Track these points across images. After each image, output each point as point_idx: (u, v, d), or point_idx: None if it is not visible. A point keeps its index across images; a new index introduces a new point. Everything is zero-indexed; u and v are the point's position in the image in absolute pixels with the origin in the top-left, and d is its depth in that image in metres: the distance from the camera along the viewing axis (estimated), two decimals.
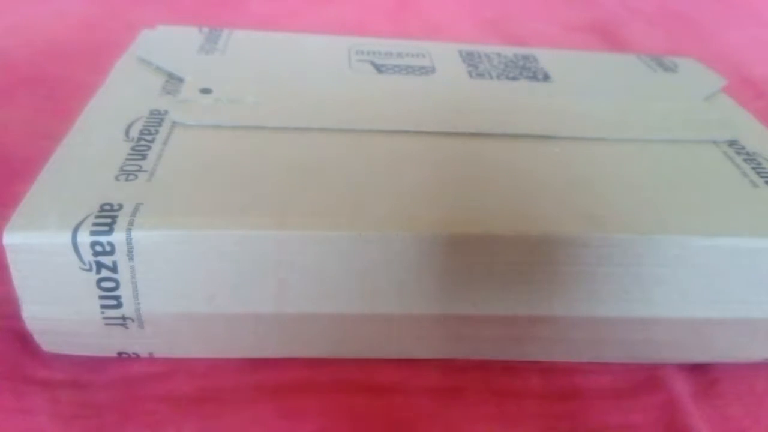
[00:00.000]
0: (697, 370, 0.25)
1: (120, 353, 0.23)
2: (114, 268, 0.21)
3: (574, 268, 0.22)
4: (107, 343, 0.23)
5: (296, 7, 0.51)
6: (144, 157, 0.23)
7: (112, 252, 0.20)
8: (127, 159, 0.23)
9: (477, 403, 0.23)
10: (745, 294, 0.23)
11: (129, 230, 0.20)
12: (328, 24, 0.40)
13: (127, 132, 0.25)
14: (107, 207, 0.21)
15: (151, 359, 0.24)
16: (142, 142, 0.24)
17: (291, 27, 0.36)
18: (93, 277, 0.21)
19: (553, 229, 0.22)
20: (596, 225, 0.22)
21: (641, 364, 0.25)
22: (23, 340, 0.23)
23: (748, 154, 0.27)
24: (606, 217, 0.23)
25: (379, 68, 0.32)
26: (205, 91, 0.28)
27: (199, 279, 0.21)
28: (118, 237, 0.20)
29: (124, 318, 0.22)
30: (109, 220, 0.20)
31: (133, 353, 0.23)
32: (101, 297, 0.21)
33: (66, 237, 0.20)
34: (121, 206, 0.21)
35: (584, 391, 0.24)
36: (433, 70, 0.32)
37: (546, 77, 0.32)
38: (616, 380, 0.24)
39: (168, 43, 0.32)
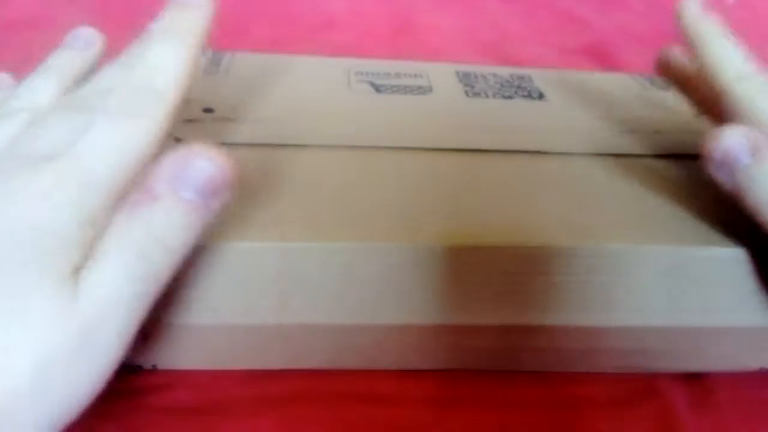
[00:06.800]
0: (693, 380, 0.25)
1: (123, 365, 0.24)
2: None
3: (568, 278, 0.23)
4: None
5: (296, 33, 0.52)
6: None
7: None
8: None
9: (474, 413, 0.24)
10: (737, 303, 0.23)
11: None
12: (327, 48, 0.41)
13: None
14: None
15: (154, 371, 0.24)
16: None
17: (291, 52, 0.37)
18: None
19: (548, 240, 0.22)
20: (589, 236, 0.23)
21: (636, 374, 0.25)
22: None
23: None
24: (599, 228, 0.23)
25: (377, 88, 0.32)
26: (208, 110, 0.28)
27: (201, 291, 0.22)
28: None
29: None
30: None
31: (137, 365, 0.24)
32: None
33: None
34: None
35: (580, 401, 0.24)
36: (430, 89, 0.33)
37: (541, 96, 0.33)
38: (611, 390, 0.25)
39: None
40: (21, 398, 0.15)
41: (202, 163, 0.18)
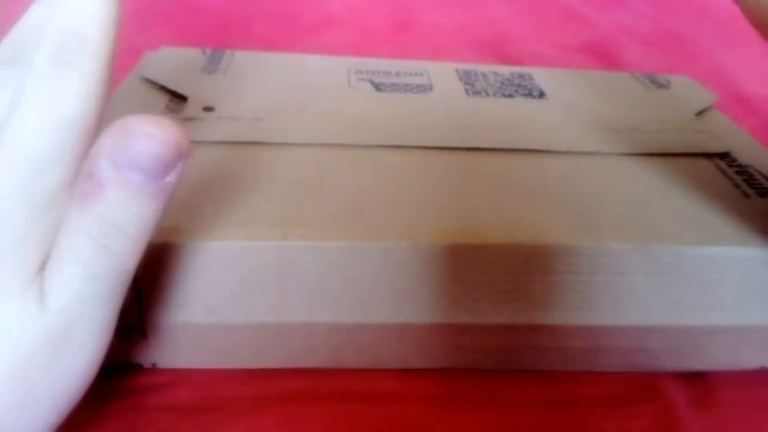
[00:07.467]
0: (694, 379, 0.25)
1: (123, 364, 0.24)
2: None
3: (569, 277, 0.23)
4: (110, 353, 0.23)
5: (296, 32, 0.52)
6: None
7: None
8: None
9: (475, 412, 0.24)
10: (738, 302, 0.23)
11: None
12: (329, 47, 0.41)
13: None
14: None
15: (154, 370, 0.24)
16: None
17: (292, 50, 0.37)
18: None
19: (549, 238, 0.22)
20: (591, 234, 0.23)
21: (638, 373, 0.25)
22: None
23: (740, 166, 0.28)
24: (600, 226, 0.23)
25: (378, 86, 0.32)
26: (208, 109, 0.28)
27: (201, 289, 0.22)
28: None
29: (127, 328, 0.22)
30: None
31: (137, 364, 0.24)
32: None
33: None
34: None
35: (581, 400, 0.24)
36: (430, 88, 0.33)
37: (541, 94, 0.33)
38: (612, 389, 0.25)
39: (171, 63, 0.33)
40: (4, 411, 0.15)
41: (144, 144, 0.15)
